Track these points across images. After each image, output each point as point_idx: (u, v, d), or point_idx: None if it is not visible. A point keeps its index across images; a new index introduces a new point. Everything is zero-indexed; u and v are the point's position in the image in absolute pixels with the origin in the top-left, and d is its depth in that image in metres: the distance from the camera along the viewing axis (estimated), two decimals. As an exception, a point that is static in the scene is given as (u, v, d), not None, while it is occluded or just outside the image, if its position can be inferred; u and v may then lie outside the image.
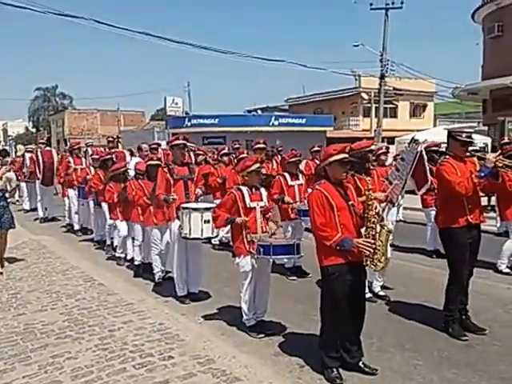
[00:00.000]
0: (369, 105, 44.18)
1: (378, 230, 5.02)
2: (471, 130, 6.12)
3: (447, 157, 6.19)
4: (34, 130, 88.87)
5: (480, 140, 21.32)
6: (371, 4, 33.41)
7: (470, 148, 6.41)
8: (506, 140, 12.06)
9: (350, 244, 4.87)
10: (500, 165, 5.78)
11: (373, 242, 4.95)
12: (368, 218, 5.05)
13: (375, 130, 34.91)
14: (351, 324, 5.15)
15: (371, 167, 7.42)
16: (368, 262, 5.03)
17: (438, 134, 12.07)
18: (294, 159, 9.27)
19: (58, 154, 19.77)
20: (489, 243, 8.14)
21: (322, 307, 5.14)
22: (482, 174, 5.87)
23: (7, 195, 9.04)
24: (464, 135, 6.05)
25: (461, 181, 5.88)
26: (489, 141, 21.24)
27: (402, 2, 32.95)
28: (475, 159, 6.09)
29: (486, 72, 27.89)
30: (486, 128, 27.40)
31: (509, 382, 4.95)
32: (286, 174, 9.19)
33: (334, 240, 4.86)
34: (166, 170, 7.72)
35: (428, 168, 6.82)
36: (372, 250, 4.94)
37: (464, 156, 6.13)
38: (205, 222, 7.05)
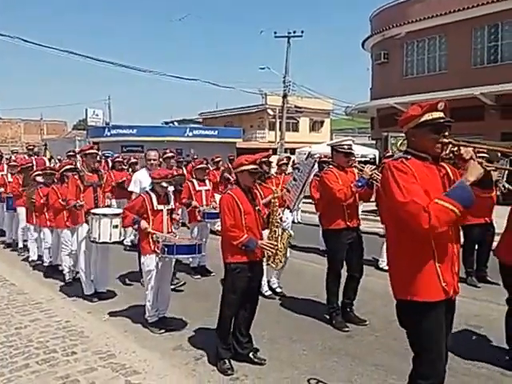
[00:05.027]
0: (274, 120, 44.52)
1: (280, 233, 5.15)
2: (350, 142, 6.25)
3: (331, 166, 6.29)
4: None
5: (370, 152, 22.05)
6: (275, 32, 33.73)
7: (362, 159, 6.53)
8: (388, 154, 12.43)
9: (254, 245, 4.90)
10: (375, 177, 5.91)
11: (275, 243, 5.06)
12: (272, 223, 5.13)
13: (278, 142, 35.41)
14: (244, 316, 5.13)
15: (272, 176, 7.42)
16: (270, 262, 5.15)
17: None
18: (200, 166, 9.24)
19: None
20: (374, 244, 8.32)
21: (223, 300, 5.07)
22: (360, 184, 5.99)
23: None
24: (346, 147, 6.17)
25: (341, 188, 5.96)
26: (377, 153, 21.92)
27: (302, 32, 33.48)
28: (355, 170, 6.20)
29: (374, 93, 28.66)
30: (374, 142, 28.31)
31: (381, 368, 4.99)
32: (194, 181, 9.11)
33: (240, 240, 4.86)
34: (76, 176, 7.47)
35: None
36: (274, 251, 5.07)
37: (346, 166, 6.21)
38: (114, 227, 6.83)
